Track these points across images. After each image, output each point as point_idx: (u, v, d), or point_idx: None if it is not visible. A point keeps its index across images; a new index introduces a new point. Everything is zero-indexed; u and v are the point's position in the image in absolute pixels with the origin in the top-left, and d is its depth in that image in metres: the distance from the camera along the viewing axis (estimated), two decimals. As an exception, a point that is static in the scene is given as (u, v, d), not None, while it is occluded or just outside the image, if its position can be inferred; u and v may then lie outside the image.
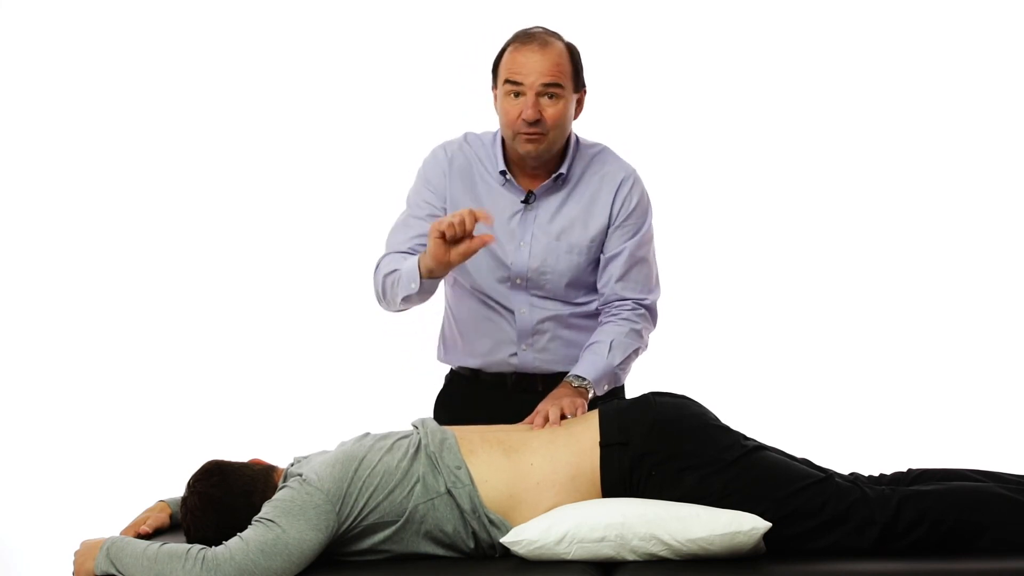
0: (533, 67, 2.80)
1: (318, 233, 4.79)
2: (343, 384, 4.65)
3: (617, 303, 2.96)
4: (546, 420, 2.67)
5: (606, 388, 2.91)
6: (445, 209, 2.94)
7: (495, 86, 2.89)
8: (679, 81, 4.75)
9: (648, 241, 2.99)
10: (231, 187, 4.82)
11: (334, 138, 4.79)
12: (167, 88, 4.81)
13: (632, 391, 3.06)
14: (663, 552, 2.45)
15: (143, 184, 4.82)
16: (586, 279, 2.96)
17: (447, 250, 2.61)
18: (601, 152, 3.00)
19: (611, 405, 2.66)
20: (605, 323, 2.95)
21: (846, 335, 4.71)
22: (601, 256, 2.95)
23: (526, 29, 2.88)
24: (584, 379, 2.85)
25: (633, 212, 2.94)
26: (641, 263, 2.96)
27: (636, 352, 2.96)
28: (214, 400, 4.72)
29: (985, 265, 4.69)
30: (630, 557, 2.46)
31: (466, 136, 3.01)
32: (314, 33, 4.79)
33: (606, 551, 2.45)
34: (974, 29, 4.66)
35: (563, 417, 2.69)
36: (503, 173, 2.92)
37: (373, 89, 4.76)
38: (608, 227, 2.94)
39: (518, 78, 2.80)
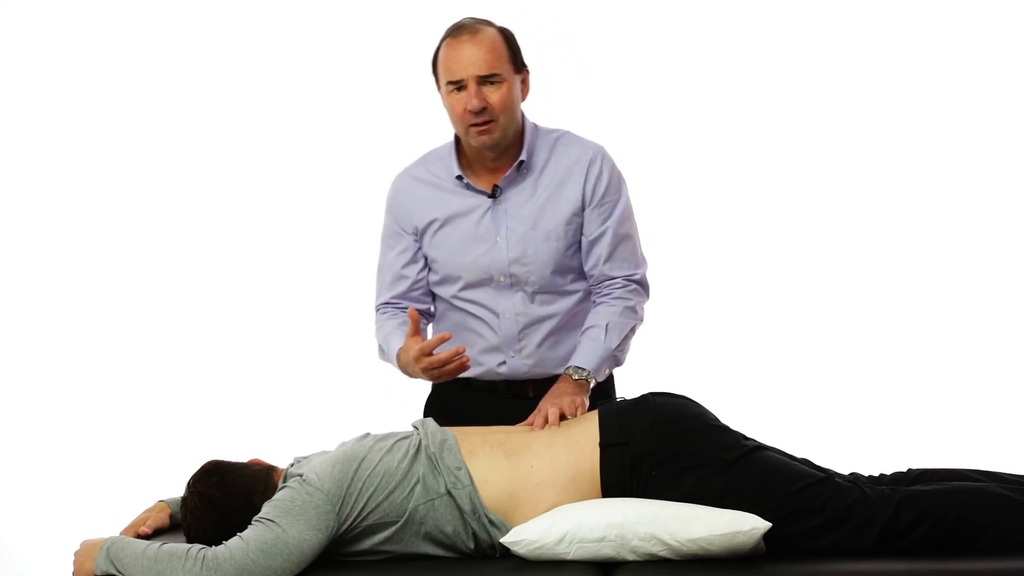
0: (468, 59, 2.79)
1: (318, 234, 4.79)
2: (343, 384, 4.65)
3: (607, 282, 2.95)
4: (545, 421, 2.67)
5: (607, 373, 2.92)
6: (416, 234, 2.97)
7: (438, 87, 2.89)
8: (680, 80, 4.75)
9: (628, 216, 2.97)
10: (232, 188, 4.81)
11: (336, 140, 4.79)
12: (167, 89, 4.81)
13: (632, 391, 3.06)
14: (663, 552, 2.45)
15: (144, 185, 4.82)
16: (568, 263, 2.94)
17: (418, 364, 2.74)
18: (563, 136, 2.98)
19: (611, 405, 2.66)
20: (598, 304, 2.95)
21: (846, 335, 4.71)
22: (583, 239, 2.93)
23: (456, 23, 2.88)
24: (584, 370, 2.85)
25: (607, 190, 2.93)
26: (625, 240, 2.95)
27: (633, 330, 2.96)
28: (214, 400, 4.72)
29: (985, 265, 4.68)
30: (630, 557, 2.46)
31: (424, 156, 3.03)
32: (313, 34, 4.78)
33: (606, 551, 2.45)
34: (974, 29, 4.66)
35: (563, 418, 2.69)
36: (459, 178, 2.92)
37: (375, 92, 4.76)
38: (582, 209, 2.92)
39: (456, 75, 2.80)
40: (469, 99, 2.79)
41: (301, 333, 4.79)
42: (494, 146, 2.85)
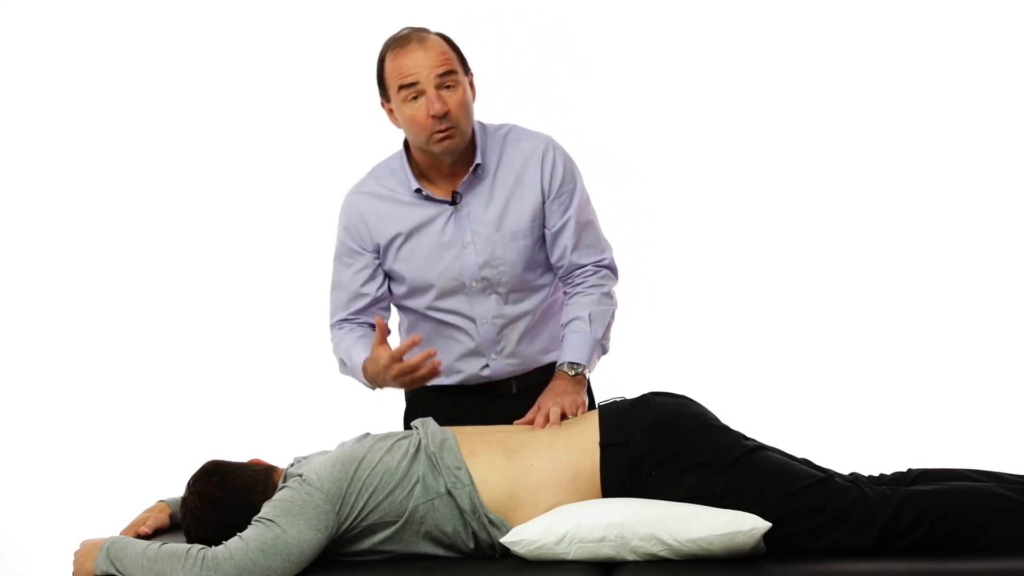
0: (422, 63, 2.75)
1: (319, 235, 4.79)
2: (343, 384, 4.63)
3: (578, 271, 2.95)
4: (546, 420, 2.67)
5: (597, 363, 2.92)
6: (378, 251, 2.93)
7: (386, 100, 2.84)
8: (680, 80, 4.75)
9: (587, 202, 2.96)
10: (232, 188, 4.82)
11: (336, 139, 4.79)
12: (167, 89, 4.81)
13: (632, 391, 3.06)
14: (663, 552, 2.45)
15: (144, 185, 4.83)
16: (536, 257, 2.93)
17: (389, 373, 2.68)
18: (511, 131, 2.95)
19: (611, 405, 2.66)
20: (573, 295, 2.94)
21: (846, 335, 4.71)
22: (546, 231, 2.92)
23: (394, 35, 2.84)
24: (580, 365, 2.85)
25: (564, 179, 2.91)
26: (588, 226, 2.95)
27: (613, 316, 2.96)
28: (214, 400, 4.72)
29: (985, 265, 4.68)
30: (630, 557, 2.46)
31: (373, 171, 2.98)
32: (312, 34, 4.79)
33: (606, 551, 2.45)
34: (974, 29, 4.66)
35: (563, 417, 2.69)
36: (418, 191, 2.88)
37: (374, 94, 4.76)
38: (543, 202, 2.90)
39: (412, 79, 2.75)
40: (431, 103, 2.74)
41: (301, 333, 4.78)
42: (454, 151, 2.81)
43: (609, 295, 2.96)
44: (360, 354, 2.83)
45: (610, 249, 3.02)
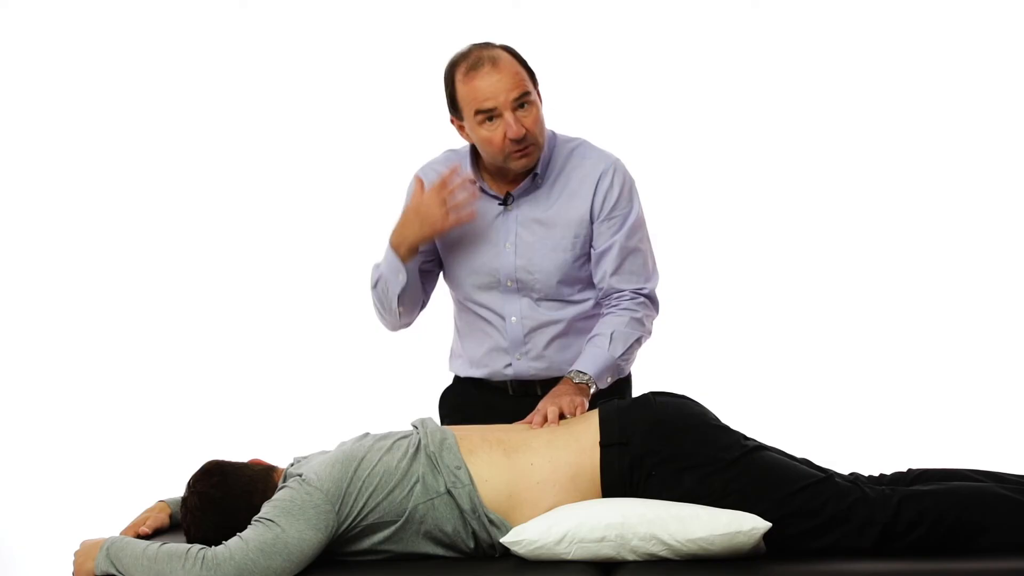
0: (498, 87, 2.78)
1: (319, 233, 4.79)
2: (343, 384, 4.65)
3: (615, 294, 2.94)
4: (545, 419, 2.67)
5: (609, 381, 2.90)
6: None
7: (458, 119, 2.87)
8: (681, 81, 4.76)
9: (638, 228, 2.95)
10: (233, 187, 4.82)
11: (336, 143, 4.79)
12: (167, 89, 4.81)
13: (632, 391, 3.06)
14: (663, 552, 2.45)
15: (144, 185, 4.83)
16: (576, 274, 2.94)
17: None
18: (580, 146, 2.97)
19: (611, 405, 2.66)
20: (605, 314, 2.94)
21: (846, 335, 4.71)
22: (592, 251, 2.93)
23: (463, 54, 2.84)
24: (585, 374, 2.84)
25: (617, 203, 2.92)
26: (634, 253, 2.94)
27: (639, 341, 2.94)
28: (214, 400, 4.72)
29: (985, 265, 4.69)
30: (630, 557, 2.46)
31: (446, 153, 3.03)
32: (314, 34, 4.79)
33: (606, 551, 2.45)
34: (974, 29, 4.66)
35: (563, 417, 2.69)
36: (472, 182, 2.92)
37: (377, 90, 4.76)
38: (591, 222, 2.91)
39: (488, 104, 2.78)
40: (508, 127, 2.78)
41: (301, 333, 4.79)
42: (528, 165, 2.86)
43: (640, 322, 2.93)
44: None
45: (655, 279, 2.99)
